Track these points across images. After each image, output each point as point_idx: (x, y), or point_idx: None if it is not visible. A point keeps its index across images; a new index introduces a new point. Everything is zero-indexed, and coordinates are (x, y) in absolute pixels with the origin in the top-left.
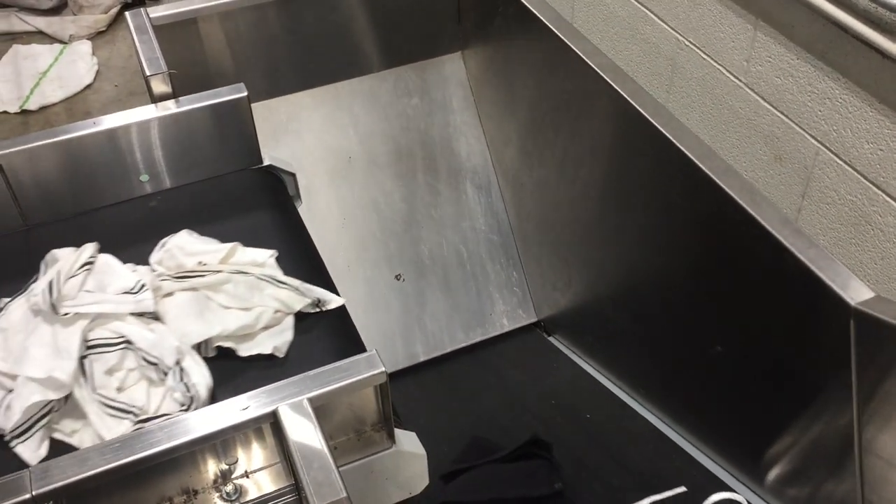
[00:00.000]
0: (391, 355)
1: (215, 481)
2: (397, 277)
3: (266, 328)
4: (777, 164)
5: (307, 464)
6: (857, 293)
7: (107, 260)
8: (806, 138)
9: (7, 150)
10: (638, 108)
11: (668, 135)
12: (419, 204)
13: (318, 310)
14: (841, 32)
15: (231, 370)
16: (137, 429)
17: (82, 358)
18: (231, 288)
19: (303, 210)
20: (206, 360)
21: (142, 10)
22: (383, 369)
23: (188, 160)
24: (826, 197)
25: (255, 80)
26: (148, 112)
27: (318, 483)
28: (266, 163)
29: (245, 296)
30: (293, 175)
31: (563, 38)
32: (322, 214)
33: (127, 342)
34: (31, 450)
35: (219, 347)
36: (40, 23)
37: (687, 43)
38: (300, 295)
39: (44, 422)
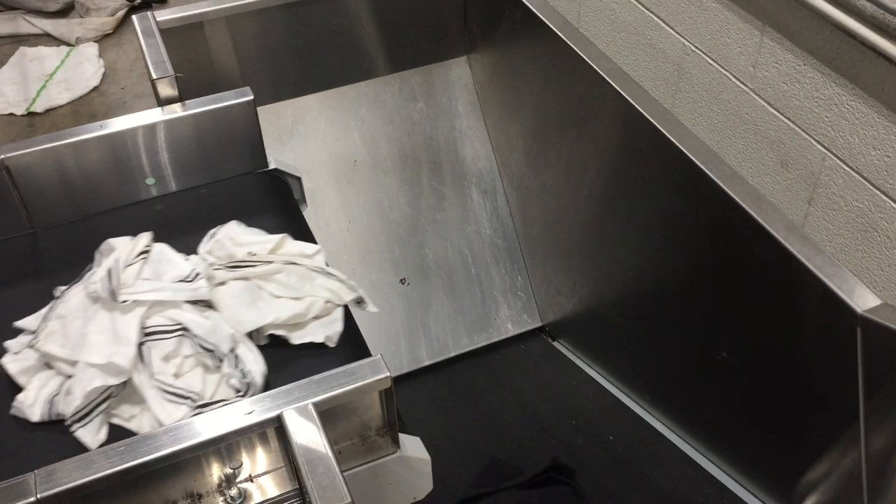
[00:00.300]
0: (396, 359)
1: (220, 485)
2: (402, 281)
3: (316, 318)
4: (783, 170)
5: (312, 468)
6: (863, 300)
7: (162, 249)
8: (812, 144)
9: (14, 153)
10: (644, 113)
11: (673, 140)
12: (424, 208)
13: (360, 307)
14: (848, 39)
15: (282, 358)
16: (196, 414)
17: (140, 344)
18: (283, 278)
19: (308, 214)
20: (259, 347)
21: (149, 13)
22: (388, 374)
23: (194, 163)
24: (833, 203)
25: (261, 83)
26: (154, 115)
27: (322, 487)
28: (272, 166)
29: (296, 285)
30: (299, 179)
31: (569, 42)
32: (327, 218)
33: (183, 329)
34: (91, 434)
35: (271, 336)
36: (47, 25)
37: (693, 48)
38: (349, 288)
39: (103, 406)
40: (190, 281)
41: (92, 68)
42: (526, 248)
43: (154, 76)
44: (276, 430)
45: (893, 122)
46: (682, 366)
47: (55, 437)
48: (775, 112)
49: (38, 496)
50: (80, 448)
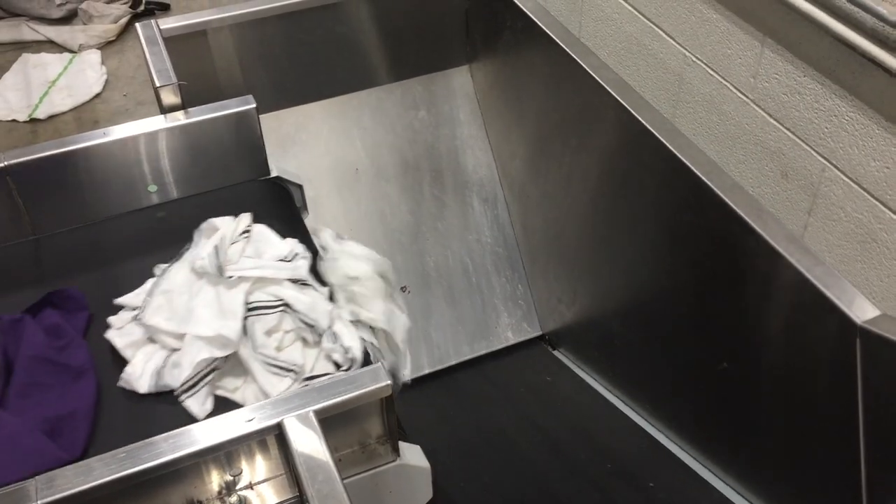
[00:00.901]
0: None
1: (220, 492)
2: (403, 289)
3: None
4: (783, 180)
5: (312, 476)
6: (862, 311)
7: (261, 229)
8: (812, 155)
9: (17, 160)
10: (644, 123)
11: (674, 150)
12: (425, 216)
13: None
14: (848, 50)
15: None
16: (304, 386)
17: (244, 319)
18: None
19: (309, 221)
20: None
21: (152, 21)
22: (389, 382)
23: (196, 171)
24: (832, 214)
25: (264, 91)
26: (157, 123)
27: (322, 495)
28: (274, 174)
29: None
30: (300, 186)
31: (570, 52)
32: (328, 226)
33: (285, 305)
34: (198, 403)
35: None
36: (50, 32)
37: (694, 59)
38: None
39: (209, 378)
40: (290, 260)
41: (94, 75)
42: (526, 257)
43: (157, 84)
44: (276, 437)
45: (893, 133)
46: (682, 375)
47: (163, 407)
48: (775, 123)
49: (39, 502)
50: (187, 419)
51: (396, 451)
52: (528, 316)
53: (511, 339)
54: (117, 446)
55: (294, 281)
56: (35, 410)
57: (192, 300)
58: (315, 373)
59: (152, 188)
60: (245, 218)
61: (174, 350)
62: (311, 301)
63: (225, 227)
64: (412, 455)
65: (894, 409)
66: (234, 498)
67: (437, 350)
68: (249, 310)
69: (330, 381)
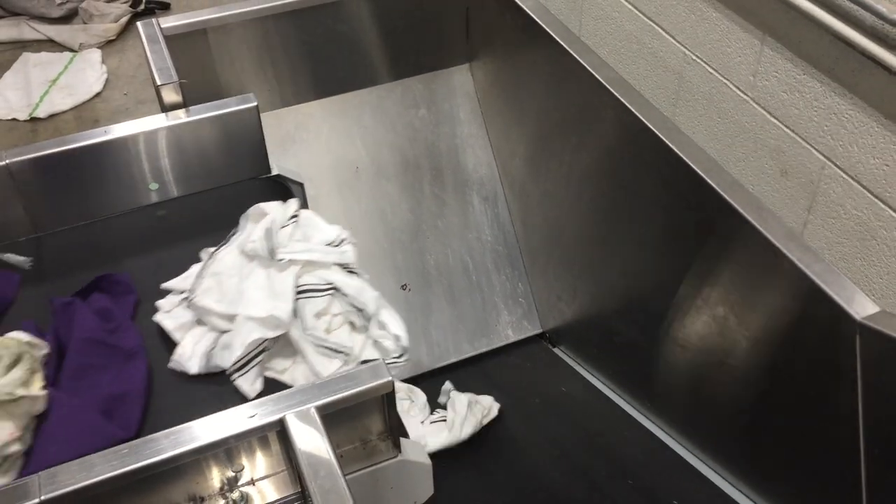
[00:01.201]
0: None
1: (222, 489)
2: (403, 287)
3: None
4: (783, 178)
5: (314, 472)
6: (862, 308)
7: (308, 215)
8: (812, 153)
9: (19, 158)
10: (645, 121)
11: (674, 148)
12: (426, 214)
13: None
14: (848, 48)
15: None
16: (353, 370)
17: (294, 301)
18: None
19: None
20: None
21: (153, 20)
22: (390, 378)
23: (197, 169)
24: (832, 212)
25: (265, 90)
26: (158, 121)
27: (325, 491)
28: (274, 172)
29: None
30: (301, 185)
31: (570, 51)
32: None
33: (334, 289)
34: (249, 383)
35: None
36: (50, 31)
37: (694, 57)
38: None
39: (259, 358)
40: (337, 245)
41: (95, 74)
42: (527, 255)
43: (158, 82)
44: (277, 433)
45: (893, 131)
46: (682, 373)
47: (213, 388)
48: (775, 121)
49: (42, 497)
50: (237, 399)
51: (398, 447)
52: (528, 314)
53: (511, 336)
54: (169, 425)
55: (341, 266)
56: (89, 391)
57: (242, 282)
58: (364, 358)
59: (153, 186)
60: (293, 203)
61: (223, 332)
62: (359, 286)
63: (274, 212)
64: (413, 451)
65: (894, 406)
66: (235, 494)
67: (437, 348)
68: (299, 292)
69: (331, 378)
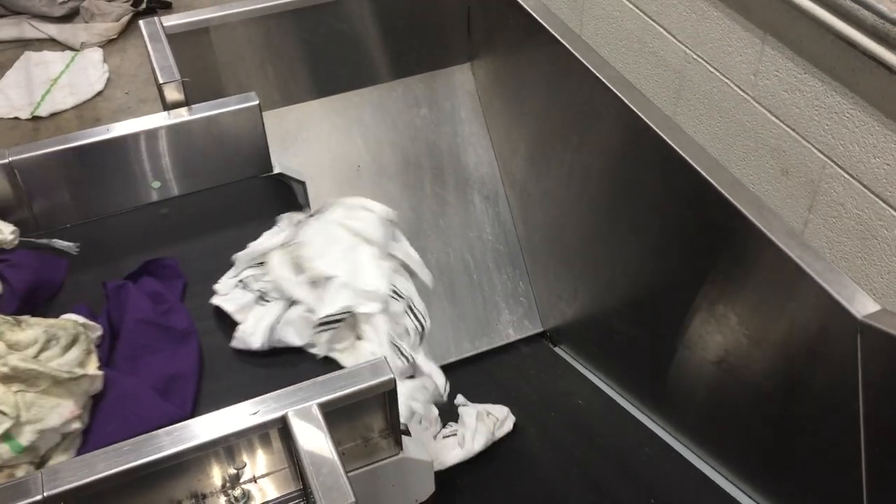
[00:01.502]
0: None
1: (223, 486)
2: None
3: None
4: (784, 177)
5: (316, 469)
6: (863, 306)
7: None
8: (813, 152)
9: (22, 156)
10: (646, 120)
11: (675, 147)
12: (427, 213)
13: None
14: (849, 48)
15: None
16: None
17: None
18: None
19: None
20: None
21: (155, 18)
22: (391, 376)
23: (199, 168)
24: (833, 210)
25: (266, 88)
26: (160, 120)
27: (327, 488)
28: (276, 171)
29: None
30: (303, 183)
31: (571, 50)
32: None
33: (409, 301)
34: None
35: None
36: (52, 30)
37: (695, 56)
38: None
39: (338, 325)
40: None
41: (96, 73)
42: (528, 254)
43: (161, 80)
44: (279, 431)
45: (893, 130)
46: (682, 372)
47: (274, 371)
48: (776, 120)
49: (45, 494)
50: (295, 377)
51: (399, 444)
52: (529, 313)
53: (512, 335)
54: (217, 407)
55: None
56: (144, 371)
57: (350, 253)
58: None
59: (155, 185)
60: (391, 211)
61: (291, 303)
62: (423, 304)
63: (379, 209)
64: (414, 449)
65: (895, 404)
66: (237, 491)
67: (437, 347)
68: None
69: (333, 375)
